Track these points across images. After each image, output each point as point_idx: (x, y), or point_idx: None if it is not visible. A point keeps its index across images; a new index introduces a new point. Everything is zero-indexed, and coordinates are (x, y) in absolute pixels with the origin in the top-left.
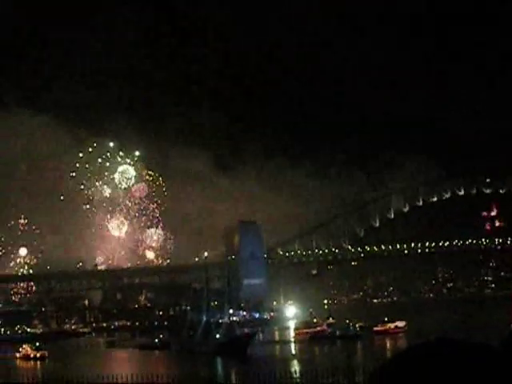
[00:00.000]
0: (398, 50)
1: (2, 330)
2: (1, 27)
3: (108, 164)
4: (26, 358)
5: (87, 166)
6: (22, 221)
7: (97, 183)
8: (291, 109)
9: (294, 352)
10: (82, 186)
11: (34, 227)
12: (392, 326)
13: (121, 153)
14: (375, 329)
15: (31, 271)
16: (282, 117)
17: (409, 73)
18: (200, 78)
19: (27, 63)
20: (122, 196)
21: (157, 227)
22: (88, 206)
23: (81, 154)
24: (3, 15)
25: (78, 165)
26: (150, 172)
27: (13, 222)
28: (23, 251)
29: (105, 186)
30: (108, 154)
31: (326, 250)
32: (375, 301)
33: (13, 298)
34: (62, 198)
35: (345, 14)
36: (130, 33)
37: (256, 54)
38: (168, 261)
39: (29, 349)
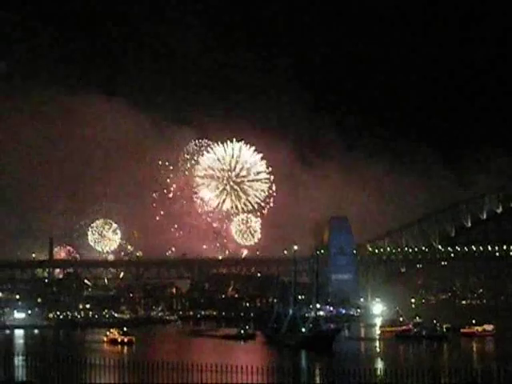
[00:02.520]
0: None
1: (90, 313)
2: (74, 11)
3: (189, 152)
4: (113, 342)
5: (162, 153)
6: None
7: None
8: (374, 103)
9: (378, 350)
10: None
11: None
12: (480, 328)
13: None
14: (462, 331)
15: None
16: (365, 111)
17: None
18: (280, 71)
19: (103, 47)
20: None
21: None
22: (169, 195)
23: (160, 141)
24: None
25: (155, 153)
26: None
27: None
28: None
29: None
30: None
31: (416, 249)
32: (464, 302)
33: (101, 282)
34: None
35: None
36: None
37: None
38: (257, 252)
39: (116, 333)
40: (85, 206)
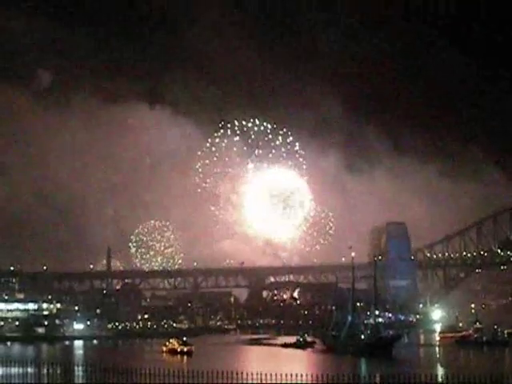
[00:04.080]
0: None
1: (149, 323)
2: (116, 21)
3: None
4: (173, 352)
5: (209, 161)
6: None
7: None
8: (425, 106)
9: (438, 356)
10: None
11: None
12: None
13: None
14: None
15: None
16: (413, 115)
17: None
18: (330, 77)
19: (146, 57)
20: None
21: None
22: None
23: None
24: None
25: (201, 161)
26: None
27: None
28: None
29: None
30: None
31: (475, 253)
32: None
33: (159, 292)
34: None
35: None
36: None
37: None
38: (314, 260)
39: (176, 343)
40: (136, 216)
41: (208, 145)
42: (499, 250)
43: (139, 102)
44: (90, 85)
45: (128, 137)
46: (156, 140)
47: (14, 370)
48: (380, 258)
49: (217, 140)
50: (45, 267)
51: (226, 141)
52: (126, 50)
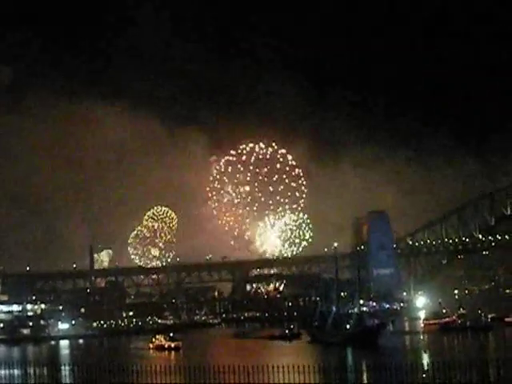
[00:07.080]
0: None
1: (134, 321)
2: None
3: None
4: (160, 348)
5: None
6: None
7: None
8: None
9: (423, 343)
10: None
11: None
12: None
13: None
14: (507, 320)
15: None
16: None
17: None
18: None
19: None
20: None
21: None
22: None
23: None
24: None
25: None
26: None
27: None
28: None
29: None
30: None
31: (456, 240)
32: (507, 291)
33: (143, 289)
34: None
35: None
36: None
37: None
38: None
39: (162, 339)
40: (109, 214)
41: (174, 140)
42: (480, 236)
43: (100, 99)
44: (50, 81)
45: (91, 133)
46: (120, 138)
47: (0, 372)
48: (362, 247)
49: (183, 135)
50: (28, 268)
51: (192, 135)
52: (89, 47)
